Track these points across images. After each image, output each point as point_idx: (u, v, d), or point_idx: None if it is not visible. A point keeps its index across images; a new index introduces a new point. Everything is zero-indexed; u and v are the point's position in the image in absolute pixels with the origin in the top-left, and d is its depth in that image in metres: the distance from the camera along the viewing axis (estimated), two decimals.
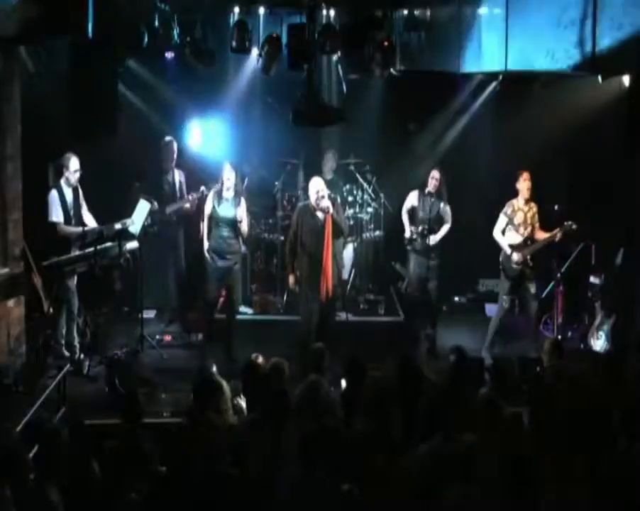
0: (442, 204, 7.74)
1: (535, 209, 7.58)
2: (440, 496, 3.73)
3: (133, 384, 6.22)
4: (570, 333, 8.25)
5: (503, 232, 7.61)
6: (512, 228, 7.55)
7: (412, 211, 7.88)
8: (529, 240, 7.53)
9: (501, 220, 7.59)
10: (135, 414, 4.67)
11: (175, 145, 8.10)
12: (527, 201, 7.54)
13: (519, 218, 7.52)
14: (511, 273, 7.54)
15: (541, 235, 7.57)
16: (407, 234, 7.88)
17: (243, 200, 7.35)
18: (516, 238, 7.55)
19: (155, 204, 7.88)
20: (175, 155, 8.10)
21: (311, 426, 4.18)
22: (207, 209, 7.23)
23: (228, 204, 7.23)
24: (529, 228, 7.53)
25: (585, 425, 4.63)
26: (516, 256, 7.48)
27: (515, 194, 7.54)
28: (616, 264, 7.65)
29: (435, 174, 7.69)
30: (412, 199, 7.88)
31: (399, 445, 4.40)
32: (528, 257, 7.50)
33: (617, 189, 8.10)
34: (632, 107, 6.78)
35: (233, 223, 7.25)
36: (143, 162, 8.27)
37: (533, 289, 7.58)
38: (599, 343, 7.66)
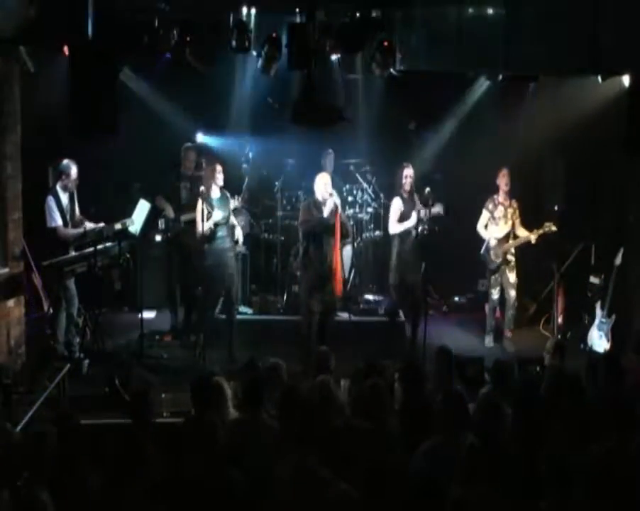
0: (417, 201, 7.66)
1: (516, 206, 7.98)
2: (440, 496, 3.73)
3: (132, 384, 6.22)
4: (570, 333, 8.26)
5: (486, 227, 8.03)
6: (493, 222, 7.98)
7: (401, 216, 7.74)
8: (509, 235, 7.94)
9: (484, 214, 8.03)
10: (145, 414, 4.65)
11: (195, 153, 8.07)
12: (507, 197, 7.94)
13: (499, 213, 7.93)
14: (491, 266, 7.99)
15: (522, 232, 7.93)
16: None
17: (233, 201, 7.36)
18: (497, 233, 7.96)
19: (171, 211, 7.87)
20: (194, 163, 8.05)
21: (323, 426, 4.19)
22: (201, 211, 7.20)
23: (219, 205, 7.24)
24: (509, 223, 7.93)
25: (585, 425, 4.65)
26: (492, 253, 7.92)
27: (496, 189, 7.97)
28: (616, 264, 7.66)
29: (409, 172, 7.67)
30: (398, 205, 7.75)
31: (398, 445, 4.41)
32: (511, 250, 7.93)
33: (617, 188, 8.11)
34: (632, 107, 6.77)
35: (225, 224, 7.25)
36: (144, 163, 8.27)
37: (512, 278, 8.01)
38: (599, 343, 7.67)
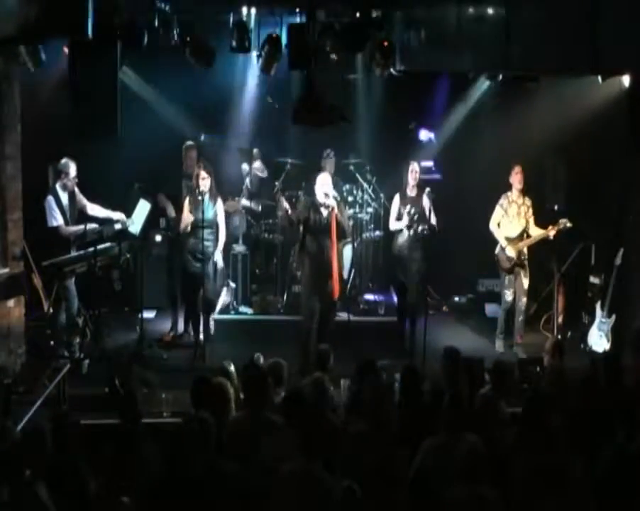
0: (425, 198, 7.52)
1: (529, 204, 7.84)
2: (440, 495, 3.73)
3: (133, 384, 6.22)
4: (570, 333, 8.26)
5: (499, 225, 7.85)
6: (507, 220, 7.81)
7: (398, 215, 7.72)
8: (523, 233, 7.79)
9: (497, 212, 7.85)
10: (134, 415, 4.65)
11: (196, 151, 8.03)
12: (521, 195, 7.81)
13: (513, 211, 7.79)
14: (505, 265, 7.80)
15: (535, 230, 7.81)
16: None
17: (219, 202, 7.36)
18: (511, 231, 7.80)
19: (173, 210, 7.86)
20: (195, 161, 8.02)
21: (316, 422, 4.20)
22: (185, 212, 7.22)
23: (202, 207, 7.18)
24: (523, 222, 7.78)
25: (585, 425, 4.65)
26: (509, 251, 7.75)
27: (510, 186, 7.82)
28: (616, 264, 7.65)
29: (415, 167, 7.66)
30: (397, 202, 7.73)
31: (397, 444, 4.41)
32: (524, 250, 7.77)
33: (617, 188, 8.11)
34: (632, 107, 6.79)
35: (208, 226, 7.23)
36: (146, 163, 8.26)
37: (526, 283, 7.84)
38: (599, 343, 7.66)
